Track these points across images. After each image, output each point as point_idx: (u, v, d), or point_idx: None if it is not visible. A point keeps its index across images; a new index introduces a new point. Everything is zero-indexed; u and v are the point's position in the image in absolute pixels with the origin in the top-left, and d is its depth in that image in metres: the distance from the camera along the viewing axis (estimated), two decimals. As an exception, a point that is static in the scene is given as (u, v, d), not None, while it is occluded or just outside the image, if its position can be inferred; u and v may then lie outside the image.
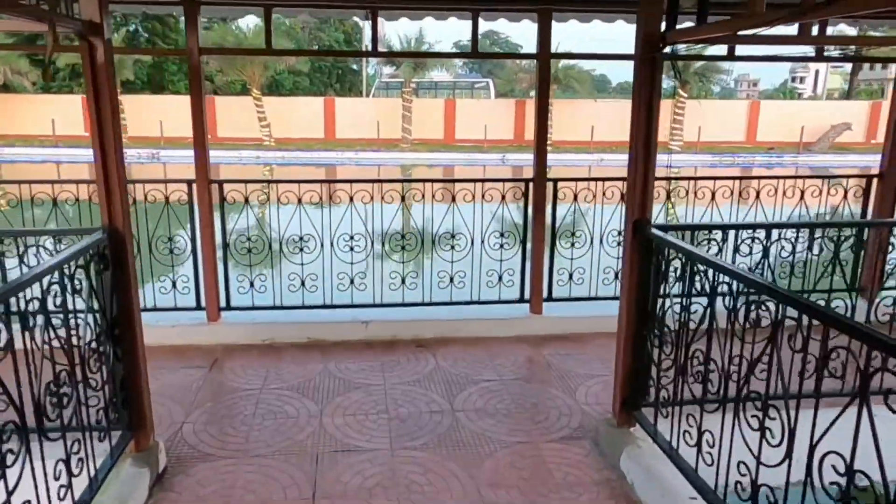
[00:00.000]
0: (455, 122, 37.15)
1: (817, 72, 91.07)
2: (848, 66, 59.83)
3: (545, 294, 6.13)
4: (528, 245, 6.05)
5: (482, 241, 6.07)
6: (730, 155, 34.82)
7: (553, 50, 5.75)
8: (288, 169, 31.60)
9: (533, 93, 27.57)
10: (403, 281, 6.02)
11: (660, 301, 3.82)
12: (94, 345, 3.31)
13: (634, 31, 3.73)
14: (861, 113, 38.03)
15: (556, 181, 5.97)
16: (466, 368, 5.33)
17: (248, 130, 35.03)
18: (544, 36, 5.63)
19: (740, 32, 3.21)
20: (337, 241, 5.86)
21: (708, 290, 3.28)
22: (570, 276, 6.20)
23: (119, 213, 3.48)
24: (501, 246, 6.07)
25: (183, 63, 49.39)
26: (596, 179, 6.16)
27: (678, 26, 3.57)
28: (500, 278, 6.13)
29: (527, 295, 6.13)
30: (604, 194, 6.13)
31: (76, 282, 3.19)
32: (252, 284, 5.84)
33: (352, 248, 5.87)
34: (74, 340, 3.14)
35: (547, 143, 5.86)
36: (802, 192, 6.26)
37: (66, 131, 33.13)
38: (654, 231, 3.81)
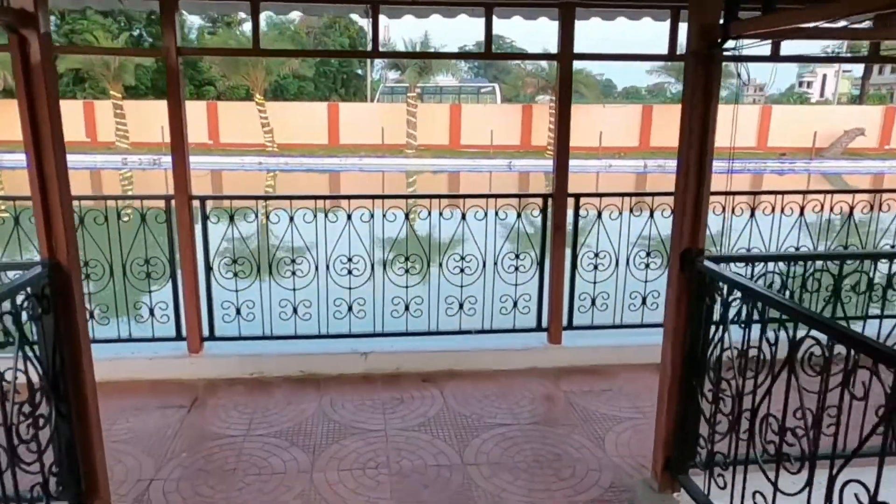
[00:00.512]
0: (460, 128, 36.52)
1: (825, 76, 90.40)
2: (857, 71, 58.87)
3: (565, 321, 5.49)
4: (546, 267, 5.42)
5: (495, 263, 5.43)
6: (741, 161, 34.11)
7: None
8: (291, 175, 31.05)
9: (540, 97, 26.99)
10: (407, 308, 5.39)
11: (713, 346, 3.19)
12: (27, 407, 2.68)
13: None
14: (874, 118, 37.30)
15: (578, 196, 5.34)
16: (478, 408, 4.70)
17: (250, 136, 34.48)
18: (566, 34, 5.01)
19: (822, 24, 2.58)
20: (333, 263, 5.23)
21: (786, 341, 2.63)
22: (593, 302, 5.56)
23: (63, 243, 2.87)
24: (516, 268, 5.44)
25: (188, 67, 49.20)
26: (624, 195, 5.52)
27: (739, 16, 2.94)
28: (515, 304, 5.50)
29: (544, 322, 5.50)
30: (630, 210, 5.50)
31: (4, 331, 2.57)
32: (239, 312, 5.21)
33: (350, 272, 5.24)
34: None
35: (568, 154, 5.22)
36: (851, 209, 5.62)
37: (65, 137, 32.48)
38: (708, 264, 3.18)
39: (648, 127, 36.60)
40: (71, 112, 34.16)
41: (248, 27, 45.02)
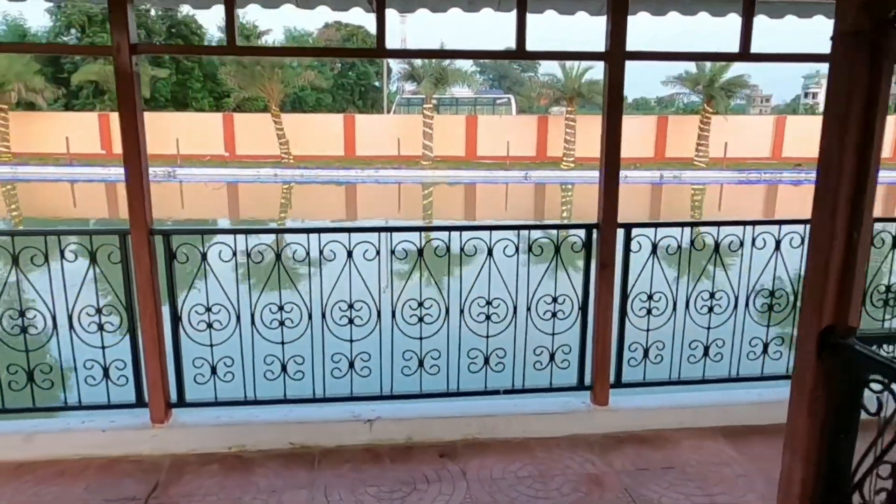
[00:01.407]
0: (476, 139, 35.46)
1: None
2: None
3: (612, 378, 4.38)
4: (590, 312, 4.31)
5: (528, 309, 4.31)
6: (756, 171, 32.90)
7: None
8: (307, 187, 30.09)
9: (555, 109, 25.90)
10: (421, 364, 4.28)
11: (871, 473, 2.08)
12: None
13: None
14: (887, 129, 35.89)
15: (629, 227, 4.24)
16: (511, 497, 3.60)
17: (267, 147, 33.57)
18: (617, 29, 3.92)
19: None
20: (331, 310, 4.13)
21: None
22: (646, 354, 4.44)
23: None
24: (554, 314, 4.31)
25: (207, 80, 48.35)
26: (684, 224, 4.40)
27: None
28: (553, 358, 4.39)
29: (588, 380, 4.39)
30: (692, 243, 4.38)
31: None
32: (214, 371, 4.12)
33: (351, 320, 4.14)
34: None
35: (618, 175, 4.13)
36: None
37: (80, 149, 31.83)
38: (862, 349, 2.06)
39: (663, 137, 35.44)
40: (86, 124, 33.41)
41: (268, 39, 44.24)
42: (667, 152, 35.31)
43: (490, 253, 4.19)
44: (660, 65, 35.46)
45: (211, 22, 53.21)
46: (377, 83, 60.73)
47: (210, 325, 4.05)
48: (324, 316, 4.11)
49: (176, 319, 4.00)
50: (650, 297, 4.38)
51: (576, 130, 33.59)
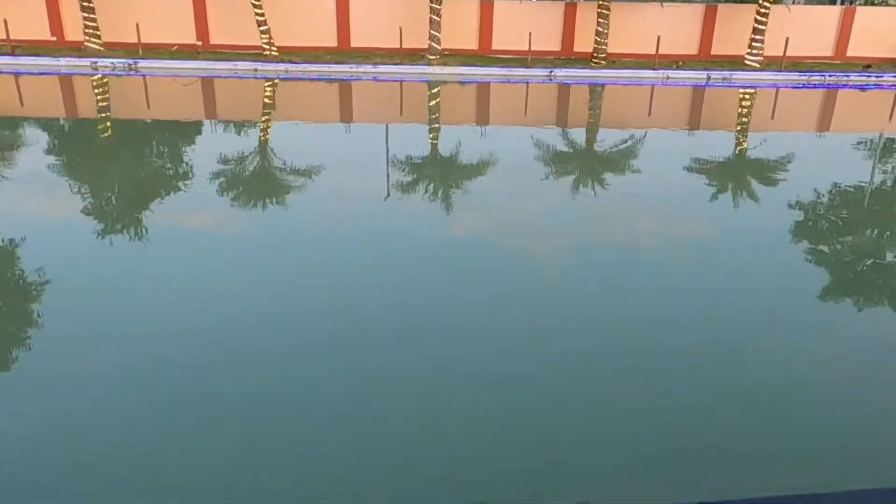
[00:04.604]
0: (492, 30, 31.97)
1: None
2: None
3: None
4: None
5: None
6: (818, 73, 29.81)
7: None
8: (293, 84, 27.02)
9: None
10: None
11: None
12: None
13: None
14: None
15: None
16: None
17: (245, 37, 30.21)
18: None
19: None
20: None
21: None
22: None
23: None
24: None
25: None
26: None
27: None
28: None
29: None
30: None
31: None
32: None
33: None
34: None
35: None
36: None
37: (24, 35, 28.51)
38: None
39: (710, 32, 32.05)
40: (31, 3, 29.87)
41: None
42: (713, 49, 32.06)
43: None
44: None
45: None
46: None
47: None
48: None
49: None
50: None
51: (609, 21, 30.20)
